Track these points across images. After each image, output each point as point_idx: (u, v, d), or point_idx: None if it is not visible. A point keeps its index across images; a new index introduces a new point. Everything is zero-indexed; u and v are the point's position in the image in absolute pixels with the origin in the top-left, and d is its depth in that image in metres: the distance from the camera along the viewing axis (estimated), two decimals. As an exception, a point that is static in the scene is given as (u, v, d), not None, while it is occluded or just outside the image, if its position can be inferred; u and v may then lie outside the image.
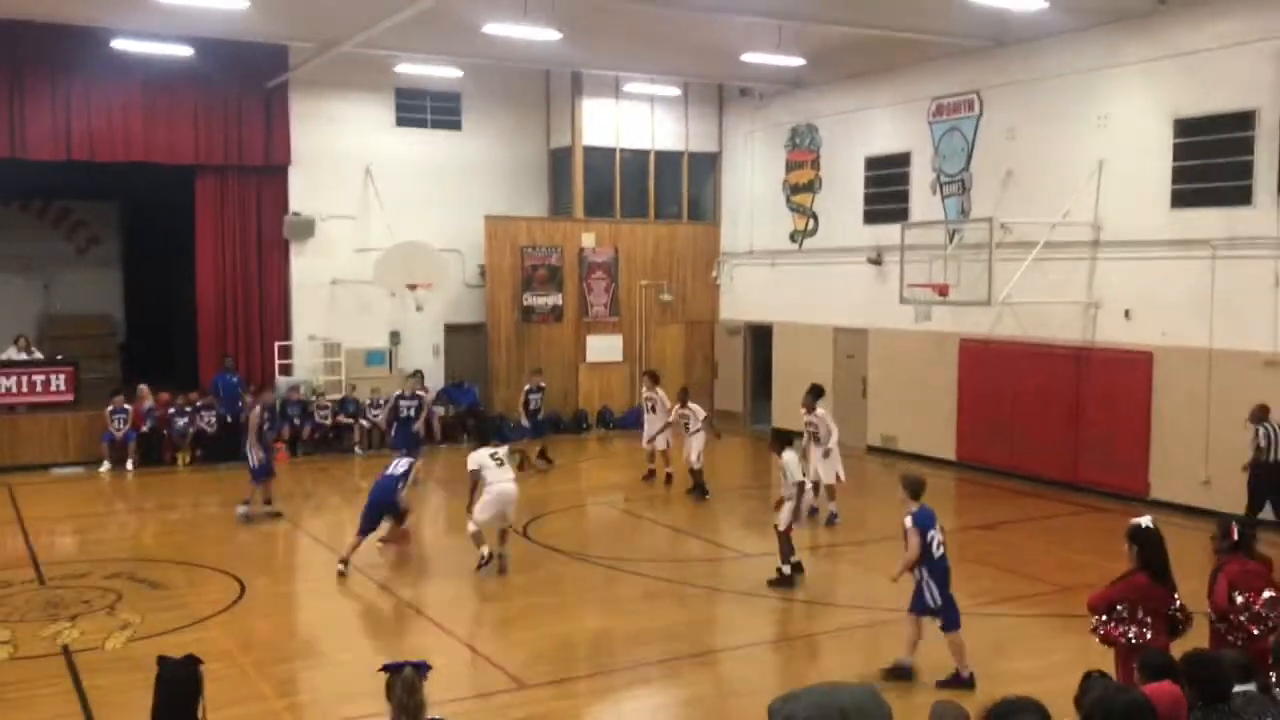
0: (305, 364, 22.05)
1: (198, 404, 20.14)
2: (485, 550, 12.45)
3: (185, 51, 19.39)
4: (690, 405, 17.14)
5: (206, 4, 16.02)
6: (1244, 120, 14.79)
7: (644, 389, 18.44)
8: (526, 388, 19.62)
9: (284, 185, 21.90)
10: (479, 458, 12.55)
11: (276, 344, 21.73)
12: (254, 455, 15.50)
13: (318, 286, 22.15)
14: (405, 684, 5.17)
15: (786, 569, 12.20)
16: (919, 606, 9.21)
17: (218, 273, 21.55)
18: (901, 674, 9.16)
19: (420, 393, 18.43)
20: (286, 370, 21.73)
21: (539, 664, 9.74)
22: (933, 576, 9.13)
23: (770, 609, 11.55)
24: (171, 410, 19.97)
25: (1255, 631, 7.12)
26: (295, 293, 22.16)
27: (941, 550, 9.21)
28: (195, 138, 20.76)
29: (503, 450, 12.87)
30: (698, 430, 16.84)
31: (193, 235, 21.53)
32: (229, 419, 19.99)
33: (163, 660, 5.31)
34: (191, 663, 5.27)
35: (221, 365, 20.73)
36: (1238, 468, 14.73)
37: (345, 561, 12.54)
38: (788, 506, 12.16)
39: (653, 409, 17.81)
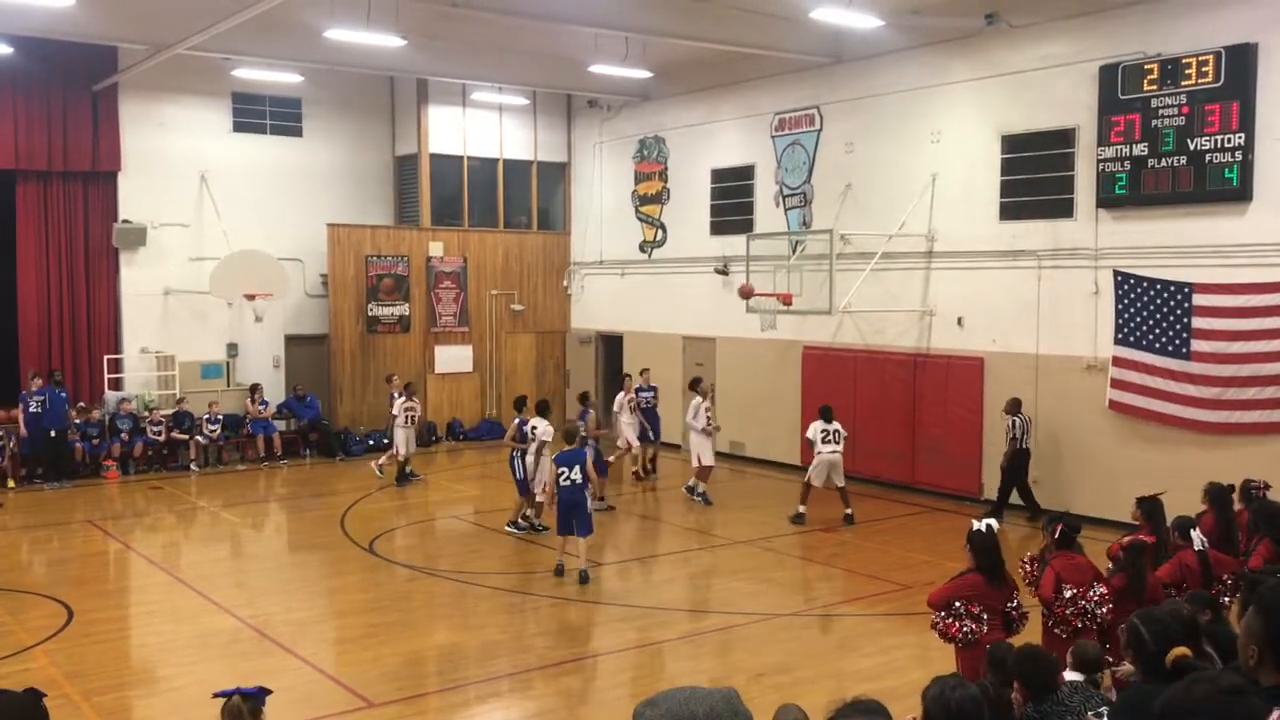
0: (137, 378, 21.14)
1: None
2: (802, 508, 15.42)
3: (3, 50, 18.43)
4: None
5: (28, 0, 15.24)
6: (1065, 137, 15.60)
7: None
8: (637, 387, 18.73)
9: (113, 192, 21.00)
10: (814, 430, 15.33)
11: (106, 357, 20.78)
12: (521, 467, 15.05)
13: (150, 297, 21.29)
14: (231, 712, 4.99)
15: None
16: (560, 528, 12.73)
17: (40, 283, 20.52)
18: (559, 571, 12.75)
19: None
20: (117, 384, 20.78)
21: (388, 681, 9.56)
22: (558, 501, 12.58)
23: (620, 617, 11.57)
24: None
25: (1079, 625, 7.48)
26: (126, 304, 21.23)
27: (569, 483, 12.43)
28: (15, 141, 19.75)
29: (833, 426, 15.31)
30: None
31: (13, 244, 20.42)
32: (55, 434, 18.97)
33: (0, 694, 4.96)
34: (34, 696, 4.94)
35: (50, 379, 19.67)
36: (1066, 467, 15.49)
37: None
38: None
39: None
